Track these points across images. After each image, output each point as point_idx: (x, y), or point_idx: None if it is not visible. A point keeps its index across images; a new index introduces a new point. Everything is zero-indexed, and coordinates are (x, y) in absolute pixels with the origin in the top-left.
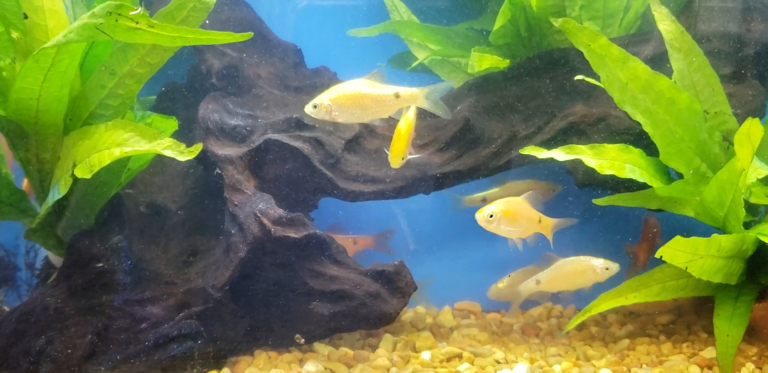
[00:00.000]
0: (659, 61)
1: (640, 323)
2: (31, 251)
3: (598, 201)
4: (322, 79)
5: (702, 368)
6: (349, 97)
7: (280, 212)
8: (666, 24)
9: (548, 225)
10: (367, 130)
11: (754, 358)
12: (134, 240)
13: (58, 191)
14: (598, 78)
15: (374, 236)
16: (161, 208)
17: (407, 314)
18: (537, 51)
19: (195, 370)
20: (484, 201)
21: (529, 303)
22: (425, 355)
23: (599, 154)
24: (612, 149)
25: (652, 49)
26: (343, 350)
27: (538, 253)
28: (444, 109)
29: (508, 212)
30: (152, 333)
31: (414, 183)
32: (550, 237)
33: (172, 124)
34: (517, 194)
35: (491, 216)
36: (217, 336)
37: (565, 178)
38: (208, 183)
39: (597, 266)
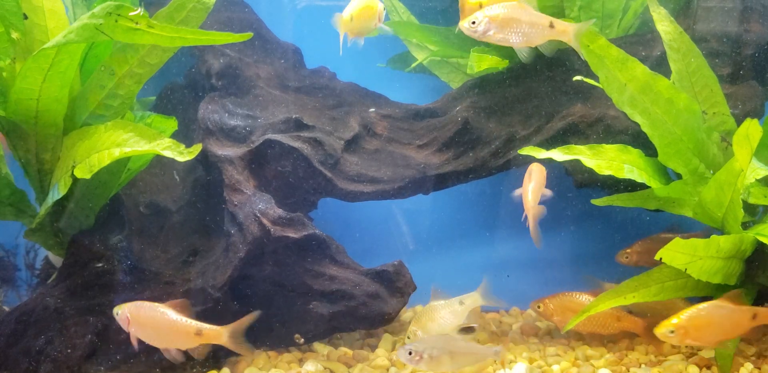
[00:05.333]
0: (658, 62)
1: None
2: (31, 250)
3: (597, 201)
4: (322, 79)
5: (701, 367)
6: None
7: (280, 212)
8: (665, 25)
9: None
10: (367, 130)
11: (753, 357)
12: (134, 240)
13: (57, 191)
14: (596, 78)
15: None
16: (161, 208)
17: (407, 314)
18: (536, 51)
19: (195, 369)
20: None
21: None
22: None
23: (598, 155)
24: (610, 150)
25: (651, 50)
26: (343, 349)
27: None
28: None
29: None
30: None
31: (413, 183)
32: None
33: (172, 124)
34: None
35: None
36: None
37: (564, 179)
38: (207, 183)
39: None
